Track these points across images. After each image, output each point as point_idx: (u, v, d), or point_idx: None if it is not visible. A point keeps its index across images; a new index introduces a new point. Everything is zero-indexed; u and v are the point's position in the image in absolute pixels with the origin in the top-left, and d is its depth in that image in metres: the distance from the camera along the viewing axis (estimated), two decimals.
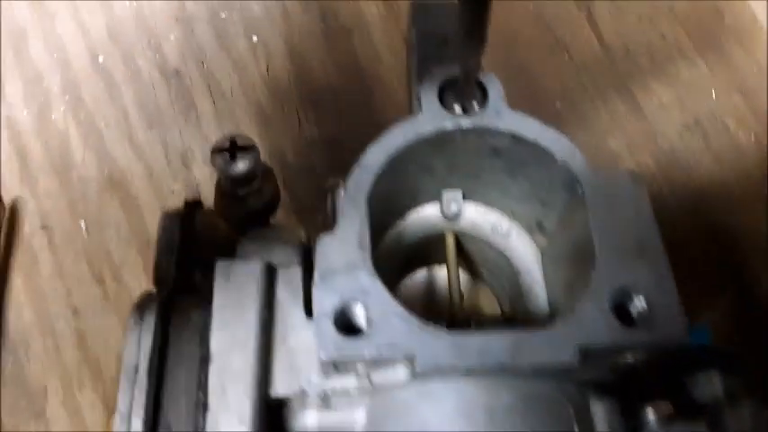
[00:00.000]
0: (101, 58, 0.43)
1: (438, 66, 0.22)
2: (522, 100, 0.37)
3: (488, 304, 0.30)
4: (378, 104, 0.41)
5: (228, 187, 0.25)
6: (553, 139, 0.21)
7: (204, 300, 0.20)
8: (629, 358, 0.18)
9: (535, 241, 0.24)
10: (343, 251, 0.19)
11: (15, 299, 0.38)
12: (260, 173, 0.25)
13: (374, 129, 0.38)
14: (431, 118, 0.21)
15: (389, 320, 0.18)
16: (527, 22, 0.38)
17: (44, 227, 0.40)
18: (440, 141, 0.22)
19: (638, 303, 0.18)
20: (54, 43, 0.44)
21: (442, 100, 0.21)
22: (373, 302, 0.18)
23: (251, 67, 0.42)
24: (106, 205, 0.40)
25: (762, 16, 0.38)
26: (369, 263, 0.19)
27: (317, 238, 0.19)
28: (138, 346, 0.19)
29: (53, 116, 0.42)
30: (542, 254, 0.24)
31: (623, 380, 0.19)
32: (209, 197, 0.39)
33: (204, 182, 0.40)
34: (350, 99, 0.40)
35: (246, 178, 0.25)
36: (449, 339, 0.18)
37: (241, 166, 0.24)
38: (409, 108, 0.26)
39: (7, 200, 0.40)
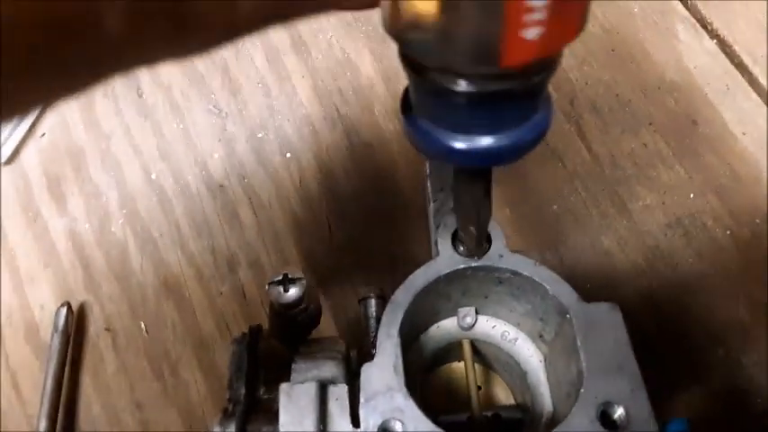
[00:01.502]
0: (153, 175, 0.49)
1: (451, 217, 0.27)
2: (523, 204, 0.43)
3: (504, 393, 0.34)
4: (396, 210, 0.46)
5: (281, 310, 0.31)
6: (545, 276, 0.26)
7: (271, 414, 0.25)
8: None
9: (538, 348, 0.29)
10: (382, 377, 0.24)
11: (84, 394, 0.43)
12: (306, 296, 0.31)
13: (393, 231, 0.44)
14: (446, 261, 0.26)
15: None
16: None
17: (108, 329, 0.45)
18: (454, 277, 0.27)
19: (619, 411, 0.23)
20: (110, 162, 0.50)
21: (455, 244, 0.27)
22: (408, 418, 0.23)
23: (286, 181, 0.48)
24: (163, 307, 0.45)
25: (732, 125, 0.43)
26: (403, 386, 0.24)
27: (362, 367, 0.24)
28: None
29: (112, 228, 0.48)
30: (545, 358, 0.29)
31: None
32: (252, 296, 0.45)
33: (247, 283, 0.45)
34: (372, 206, 0.46)
35: (296, 303, 0.30)
36: None
37: (292, 294, 0.29)
38: (428, 243, 0.31)
39: (74, 305, 0.46)
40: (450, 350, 0.31)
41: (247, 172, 0.48)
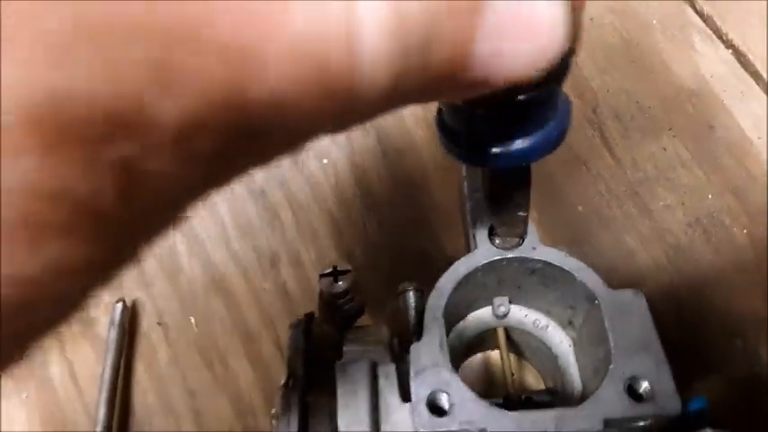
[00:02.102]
0: None
1: (487, 213, 0.30)
2: (551, 207, 0.45)
3: (534, 379, 0.37)
4: (426, 212, 0.49)
5: (331, 299, 0.34)
6: (574, 265, 0.29)
7: (327, 389, 0.28)
8: (642, 424, 0.26)
9: (567, 334, 0.32)
10: (429, 354, 0.27)
11: (139, 384, 0.47)
12: (353, 287, 0.34)
13: (424, 231, 0.47)
14: (484, 252, 0.29)
15: (466, 404, 0.25)
16: None
17: (160, 323, 0.48)
18: (490, 267, 0.30)
19: (644, 386, 0.26)
20: None
21: (491, 238, 0.30)
22: (454, 391, 0.26)
23: (323, 184, 0.51)
24: (211, 303, 0.48)
25: (748, 130, 0.45)
26: (448, 362, 0.27)
27: (412, 346, 0.27)
28: (288, 426, 0.27)
29: None
30: (574, 343, 0.32)
31: None
32: (293, 291, 0.48)
33: (289, 279, 0.48)
34: (404, 207, 0.49)
35: (345, 293, 0.33)
36: (510, 416, 0.25)
37: (341, 284, 0.32)
38: (464, 235, 0.34)
39: (128, 301, 0.49)
40: (485, 338, 0.34)
41: (286, 177, 0.52)
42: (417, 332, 0.28)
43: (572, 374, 0.32)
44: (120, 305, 0.48)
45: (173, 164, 0.12)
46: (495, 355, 0.35)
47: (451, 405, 0.25)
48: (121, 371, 0.47)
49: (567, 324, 0.32)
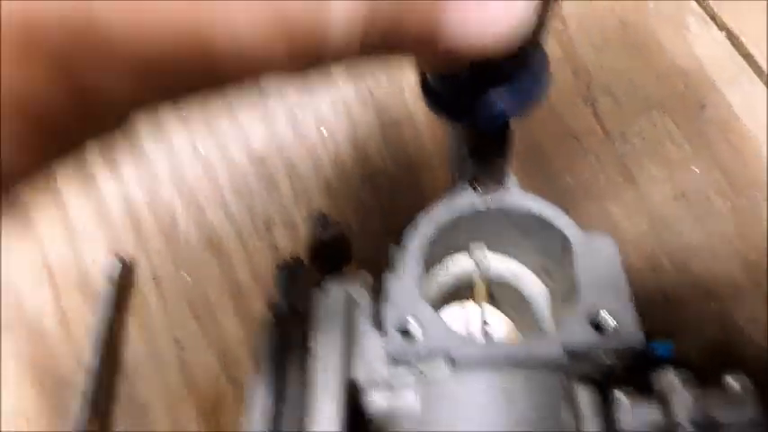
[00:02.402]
0: (200, 148, 0.54)
1: (469, 162, 0.31)
2: (539, 176, 0.46)
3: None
4: (422, 182, 0.50)
5: (318, 248, 0.35)
6: (551, 212, 0.29)
7: (305, 318, 0.29)
8: (605, 359, 0.26)
9: (543, 282, 0.33)
10: (404, 285, 0.28)
11: (129, 335, 0.48)
12: (340, 238, 0.35)
13: (420, 202, 0.48)
14: (464, 198, 0.30)
15: (437, 330, 0.26)
16: (543, 115, 0.48)
17: (154, 278, 0.50)
18: (470, 212, 0.30)
19: (609, 320, 0.26)
20: (161, 136, 0.55)
21: (473, 184, 0.30)
22: (425, 319, 0.27)
23: (321, 153, 0.52)
24: (205, 261, 0.49)
25: (737, 109, 0.46)
26: (421, 293, 0.27)
27: (386, 277, 0.28)
28: (263, 349, 0.28)
29: (161, 193, 0.53)
30: (549, 291, 0.32)
31: (604, 375, 0.27)
32: (286, 252, 0.49)
33: (281, 241, 0.50)
34: (400, 175, 0.50)
35: (332, 241, 0.34)
36: (479, 342, 0.26)
37: (329, 232, 0.33)
38: (451, 182, 0.35)
39: (124, 257, 0.50)
40: (461, 287, 0.34)
41: (286, 146, 0.53)
42: (393, 266, 0.28)
43: (545, 323, 0.32)
44: (115, 259, 0.49)
45: (131, 87, 0.13)
46: (470, 305, 0.36)
47: (422, 331, 0.26)
48: (114, 323, 0.48)
49: (542, 272, 0.32)
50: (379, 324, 0.29)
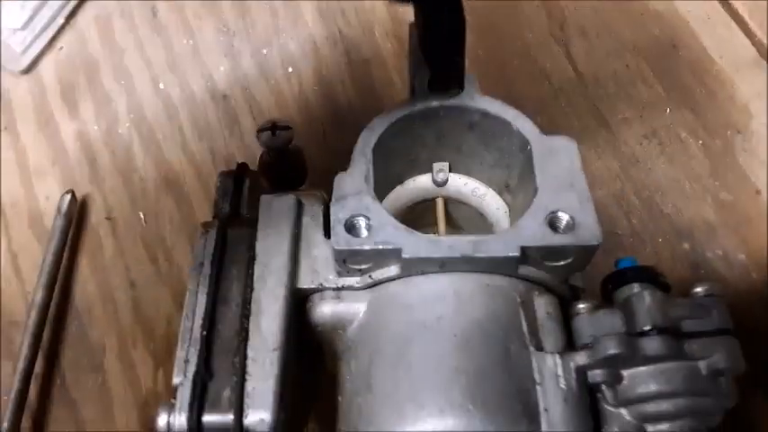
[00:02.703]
0: (161, 85, 0.52)
1: (426, 61, 0.29)
2: None
3: None
4: None
5: (269, 159, 0.33)
6: (511, 113, 0.28)
7: (251, 223, 0.27)
8: (561, 261, 0.25)
9: (504, 200, 0.31)
10: (353, 182, 0.26)
11: (81, 274, 0.46)
12: (293, 148, 0.33)
13: None
14: (422, 99, 0.29)
15: (384, 227, 0.25)
16: (515, 55, 0.46)
17: (109, 218, 0.47)
18: (428, 116, 0.29)
19: (565, 219, 0.25)
20: (122, 73, 0.53)
21: (431, 86, 0.29)
22: (373, 215, 0.25)
23: (286, 92, 0.50)
24: (162, 200, 0.47)
25: (710, 50, 0.45)
26: (371, 190, 0.26)
27: (336, 176, 0.27)
28: (204, 249, 0.26)
29: (119, 130, 0.51)
30: (510, 209, 0.31)
31: (563, 282, 0.26)
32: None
33: None
34: (367, 116, 0.48)
35: (283, 147, 0.32)
36: (427, 238, 0.24)
37: (280, 139, 0.32)
38: (409, 93, 0.33)
39: (79, 196, 0.48)
40: (423, 210, 0.33)
41: (250, 84, 0.51)
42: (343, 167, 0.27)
43: None
44: (68, 196, 0.47)
45: None
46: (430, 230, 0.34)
47: (369, 227, 0.25)
48: (64, 261, 0.46)
49: (504, 189, 0.31)
50: (328, 232, 0.27)
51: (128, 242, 0.46)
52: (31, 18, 0.53)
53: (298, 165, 0.33)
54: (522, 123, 0.28)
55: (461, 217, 0.33)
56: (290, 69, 0.51)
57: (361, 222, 0.25)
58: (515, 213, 0.30)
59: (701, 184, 0.41)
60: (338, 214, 0.25)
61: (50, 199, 0.49)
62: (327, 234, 0.27)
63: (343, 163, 0.46)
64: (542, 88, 0.46)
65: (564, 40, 0.47)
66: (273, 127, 0.32)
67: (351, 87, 0.50)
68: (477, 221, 0.32)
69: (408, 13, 0.52)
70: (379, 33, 0.51)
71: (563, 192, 0.25)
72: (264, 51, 0.52)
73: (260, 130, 0.32)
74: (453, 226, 0.33)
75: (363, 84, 0.50)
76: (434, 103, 0.29)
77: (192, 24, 0.54)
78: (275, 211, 0.27)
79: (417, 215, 0.33)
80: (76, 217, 0.48)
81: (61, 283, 0.45)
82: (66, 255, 0.46)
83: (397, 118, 0.28)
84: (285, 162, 0.33)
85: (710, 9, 0.46)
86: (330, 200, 0.31)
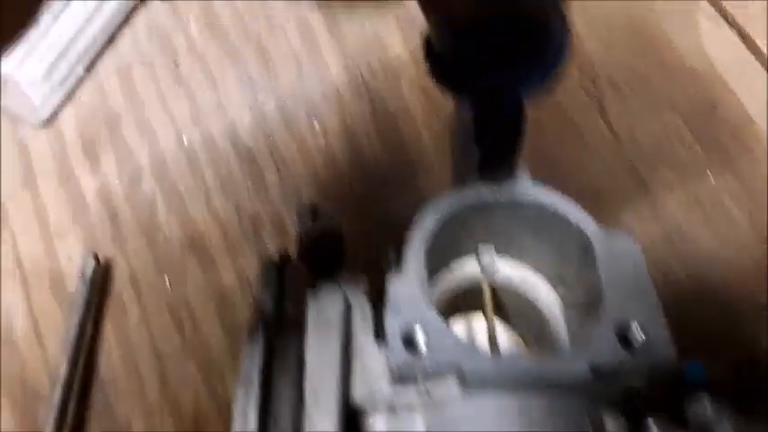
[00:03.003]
0: (184, 138, 0.51)
1: (478, 149, 0.28)
2: (543, 177, 0.44)
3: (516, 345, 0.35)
4: (417, 176, 0.47)
5: (308, 243, 0.32)
6: (569, 209, 0.27)
7: (297, 325, 0.26)
8: (634, 381, 0.24)
9: (557, 291, 0.30)
10: (408, 288, 0.25)
11: (106, 344, 0.44)
12: (333, 234, 0.32)
13: (416, 199, 0.45)
14: (473, 191, 0.27)
15: (444, 342, 0.24)
16: (547, 112, 0.45)
17: (132, 281, 0.46)
18: (478, 208, 0.28)
19: (637, 334, 0.24)
20: (144, 126, 0.52)
21: (482, 176, 0.28)
22: (431, 328, 0.24)
23: (311, 145, 0.49)
24: (187, 262, 0.46)
25: (750, 110, 0.44)
26: (427, 297, 0.25)
27: (388, 278, 0.25)
28: (252, 360, 0.25)
29: (142, 186, 0.50)
30: (563, 302, 0.30)
31: (632, 401, 0.25)
32: (274, 254, 0.46)
33: (270, 241, 0.46)
34: (393, 172, 0.47)
35: (322, 236, 0.31)
36: (491, 358, 0.23)
37: (320, 226, 0.31)
38: (453, 181, 0.32)
39: (101, 257, 0.47)
40: (468, 296, 0.32)
41: (275, 136, 0.50)
42: (395, 266, 0.26)
43: (559, 338, 0.30)
44: (91, 259, 0.46)
45: None
46: (476, 317, 0.33)
47: (427, 341, 0.23)
48: (89, 329, 0.44)
49: (557, 280, 0.30)
50: (379, 332, 0.26)
51: (153, 308, 0.45)
52: (50, 70, 0.52)
53: (337, 250, 0.32)
54: (581, 219, 0.27)
55: (511, 305, 0.32)
56: (315, 121, 0.50)
57: (420, 336, 0.24)
58: (572, 309, 0.29)
59: (748, 258, 0.39)
60: (394, 326, 0.24)
61: (72, 260, 0.48)
62: (377, 335, 0.26)
63: (370, 225, 0.45)
64: (575, 146, 0.45)
65: (596, 96, 0.46)
66: (314, 212, 0.31)
67: (377, 141, 0.49)
68: (528, 311, 0.31)
69: None
70: (406, 85, 0.50)
71: (632, 300, 0.24)
72: (289, 102, 0.51)
73: (300, 216, 0.31)
74: (502, 314, 0.32)
75: (390, 138, 0.49)
76: (485, 194, 0.27)
77: (214, 75, 0.53)
78: (323, 315, 0.26)
79: (464, 301, 0.32)
80: (100, 279, 0.46)
81: (85, 353, 0.44)
82: (90, 321, 0.45)
83: (448, 214, 0.27)
84: (325, 248, 0.31)
85: (750, 67, 0.45)
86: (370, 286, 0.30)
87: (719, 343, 0.38)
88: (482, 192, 0.27)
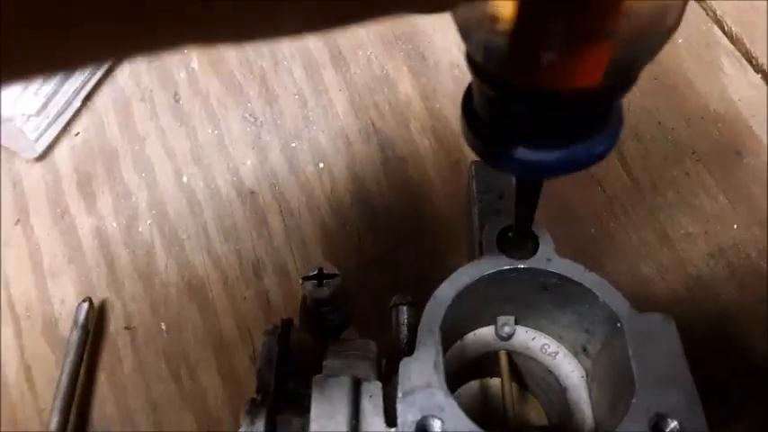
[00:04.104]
0: (185, 178, 0.49)
1: (496, 216, 0.26)
2: (561, 226, 0.42)
3: (536, 415, 0.33)
4: (425, 224, 0.45)
5: (313, 306, 0.30)
6: (596, 283, 0.25)
7: (301, 406, 0.24)
8: None
9: (580, 362, 0.28)
10: (422, 372, 0.23)
11: (100, 392, 0.42)
12: (339, 297, 0.30)
13: (423, 245, 0.43)
14: (491, 261, 0.25)
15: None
16: None
17: (128, 327, 0.44)
18: (498, 278, 0.26)
19: (672, 425, 0.22)
20: (142, 164, 0.50)
21: (500, 245, 0.26)
22: (448, 417, 0.22)
23: (317, 190, 0.47)
24: (185, 308, 0.44)
25: None
26: (443, 383, 0.23)
27: (401, 362, 0.23)
28: None
29: (139, 228, 0.48)
30: (587, 374, 0.28)
31: None
32: (276, 302, 0.44)
33: (272, 289, 0.45)
34: (403, 219, 0.45)
35: (329, 299, 0.29)
36: None
37: (326, 290, 0.29)
38: (468, 247, 0.30)
39: (96, 302, 0.45)
40: (485, 362, 0.30)
41: (279, 180, 0.48)
42: (409, 347, 0.24)
43: (583, 411, 0.28)
44: (85, 305, 0.44)
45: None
46: (494, 383, 0.31)
47: (444, 429, 0.21)
48: (81, 377, 0.42)
49: (580, 351, 0.28)
50: (390, 417, 0.24)
51: (148, 356, 0.43)
52: (46, 104, 0.50)
53: (343, 312, 0.30)
54: (609, 295, 0.24)
55: (529, 373, 0.30)
56: (321, 165, 0.48)
57: (435, 426, 0.22)
58: (598, 384, 0.27)
59: None
60: (407, 415, 0.22)
61: (65, 303, 0.46)
62: (388, 421, 0.24)
63: (378, 274, 0.43)
64: (595, 195, 0.43)
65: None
66: (320, 275, 0.29)
67: (386, 187, 0.47)
68: (549, 380, 0.29)
69: (445, 107, 0.50)
70: (415, 128, 0.49)
71: (666, 388, 0.22)
72: (294, 144, 0.49)
73: (305, 279, 0.29)
74: (520, 381, 0.30)
75: (400, 184, 0.47)
76: (506, 266, 0.25)
77: (216, 112, 0.52)
78: (330, 396, 0.24)
79: (479, 367, 0.30)
80: (94, 324, 0.44)
81: (78, 401, 0.42)
82: (83, 366, 0.43)
83: (466, 285, 0.25)
84: (330, 310, 0.29)
85: None
86: (380, 356, 0.28)
87: (744, 402, 0.36)
88: (501, 263, 0.25)
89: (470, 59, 0.19)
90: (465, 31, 0.17)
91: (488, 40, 0.17)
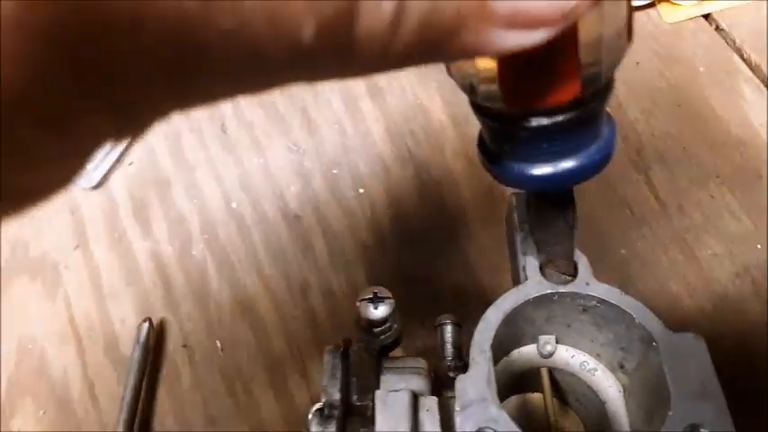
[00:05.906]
0: (234, 204, 0.53)
1: (538, 245, 0.29)
2: (591, 247, 0.44)
3: (575, 427, 0.35)
4: (463, 245, 0.48)
5: (368, 326, 0.32)
6: (632, 305, 0.27)
7: (365, 417, 0.27)
8: None
9: (617, 378, 0.30)
10: (476, 388, 0.26)
11: (160, 407, 0.45)
12: (391, 315, 0.33)
13: (460, 265, 0.46)
14: (535, 285, 0.28)
15: None
16: (594, 182, 0.46)
17: (185, 345, 0.47)
18: (540, 302, 0.28)
19: None
20: (193, 191, 0.54)
21: (542, 271, 0.29)
22: (501, 428, 0.24)
23: (357, 214, 0.50)
24: (238, 327, 0.47)
25: None
26: (495, 397, 0.25)
27: (458, 378, 0.26)
28: None
29: (193, 251, 0.51)
30: (624, 388, 0.30)
31: None
32: (321, 320, 0.47)
33: (318, 308, 0.47)
34: (440, 240, 0.48)
35: (383, 320, 0.32)
36: None
37: (381, 311, 0.31)
38: (512, 272, 0.33)
39: (155, 320, 0.48)
40: (527, 378, 0.32)
41: (321, 204, 0.51)
42: (455, 363, 0.26)
43: (620, 424, 0.30)
44: (145, 325, 0.47)
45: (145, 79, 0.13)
46: (535, 397, 0.34)
47: None
48: (143, 393, 0.46)
49: (617, 368, 0.30)
50: (446, 428, 0.26)
51: (205, 372, 0.46)
52: None
53: (395, 330, 0.33)
54: (645, 316, 0.27)
55: (569, 388, 0.32)
56: (361, 190, 0.51)
57: None
58: (635, 399, 0.29)
59: None
60: (464, 427, 0.24)
61: (125, 323, 0.49)
62: (444, 431, 0.26)
63: (418, 294, 0.46)
64: (623, 218, 0.45)
65: (643, 167, 0.46)
66: (374, 298, 0.32)
67: (423, 210, 0.50)
68: (588, 394, 0.31)
69: (477, 132, 0.53)
70: (450, 153, 0.51)
71: (699, 402, 0.25)
72: (335, 171, 0.52)
73: (361, 300, 0.32)
74: (560, 396, 0.33)
75: (436, 207, 0.49)
76: (548, 291, 0.28)
77: (261, 142, 0.55)
78: (392, 409, 0.27)
79: (522, 382, 0.32)
80: (153, 345, 0.48)
81: (140, 415, 0.45)
82: (144, 384, 0.46)
83: (512, 309, 0.28)
84: (383, 330, 0.32)
85: None
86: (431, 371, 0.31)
87: None
88: (544, 287, 0.28)
89: (473, 103, 0.22)
90: (461, 86, 0.21)
91: (479, 88, 0.20)
